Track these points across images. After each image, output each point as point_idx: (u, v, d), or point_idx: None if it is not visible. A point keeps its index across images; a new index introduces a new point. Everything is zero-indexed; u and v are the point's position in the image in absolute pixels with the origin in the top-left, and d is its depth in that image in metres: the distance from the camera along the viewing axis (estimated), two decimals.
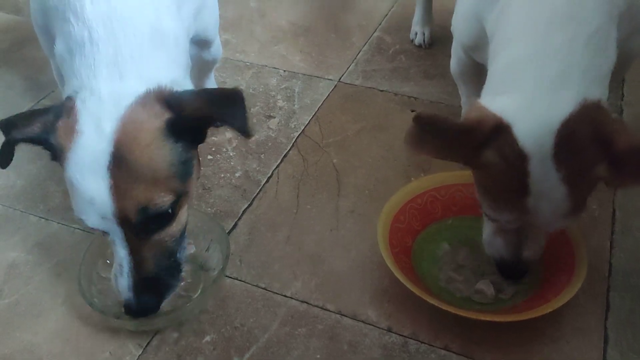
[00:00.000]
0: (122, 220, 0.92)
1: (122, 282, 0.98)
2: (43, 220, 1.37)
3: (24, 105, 1.71)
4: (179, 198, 0.97)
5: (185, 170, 0.97)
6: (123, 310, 1.02)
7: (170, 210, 0.96)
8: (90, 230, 1.13)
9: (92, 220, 0.94)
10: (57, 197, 1.41)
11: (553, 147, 0.90)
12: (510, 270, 1.10)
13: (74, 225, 1.33)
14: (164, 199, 0.93)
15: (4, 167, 0.99)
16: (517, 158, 0.92)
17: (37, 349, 1.12)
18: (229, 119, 0.94)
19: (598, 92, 0.95)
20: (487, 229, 1.10)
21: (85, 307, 1.12)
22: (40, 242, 1.31)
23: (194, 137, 0.98)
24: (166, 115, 0.93)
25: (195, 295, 1.15)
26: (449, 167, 1.29)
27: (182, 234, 1.03)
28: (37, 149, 0.97)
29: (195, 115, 0.94)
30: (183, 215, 1.01)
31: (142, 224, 0.93)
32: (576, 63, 0.94)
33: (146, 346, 1.12)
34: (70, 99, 0.96)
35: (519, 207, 0.95)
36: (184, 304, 1.13)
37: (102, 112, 0.92)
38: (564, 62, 0.94)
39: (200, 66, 1.44)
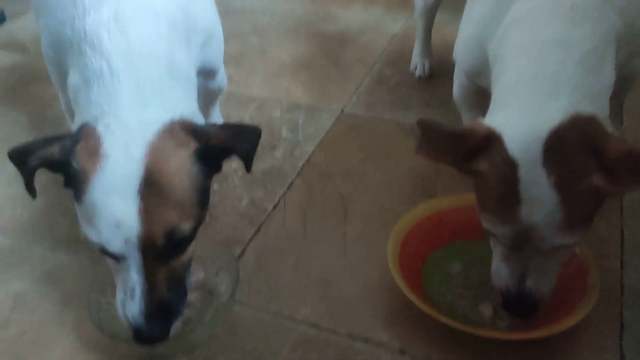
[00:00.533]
0: (146, 244, 0.92)
1: (134, 307, 0.96)
2: (49, 250, 1.36)
3: None
4: (199, 224, 0.98)
5: (206, 197, 0.99)
6: (132, 337, 1.00)
7: (191, 236, 0.97)
8: (97, 258, 1.12)
9: (114, 244, 0.92)
10: (64, 228, 1.41)
11: (542, 153, 0.92)
12: (515, 304, 1.05)
13: (80, 255, 1.32)
14: (188, 225, 0.95)
15: (34, 197, 0.98)
16: (506, 165, 0.94)
17: None
18: (245, 153, 0.99)
19: (593, 108, 0.96)
20: (494, 258, 1.08)
21: (93, 336, 1.11)
22: (47, 273, 1.30)
23: (214, 166, 1.01)
24: (193, 144, 0.95)
25: (205, 321, 1.14)
26: (455, 190, 1.30)
27: (190, 260, 1.03)
28: (43, 180, 0.96)
29: (221, 146, 0.97)
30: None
31: (164, 249, 0.93)
32: (567, 80, 0.97)
33: None
34: (87, 125, 0.96)
35: (512, 217, 0.95)
36: (194, 329, 1.11)
37: (130, 137, 0.93)
38: (555, 79, 0.97)
39: (206, 96, 1.46)
